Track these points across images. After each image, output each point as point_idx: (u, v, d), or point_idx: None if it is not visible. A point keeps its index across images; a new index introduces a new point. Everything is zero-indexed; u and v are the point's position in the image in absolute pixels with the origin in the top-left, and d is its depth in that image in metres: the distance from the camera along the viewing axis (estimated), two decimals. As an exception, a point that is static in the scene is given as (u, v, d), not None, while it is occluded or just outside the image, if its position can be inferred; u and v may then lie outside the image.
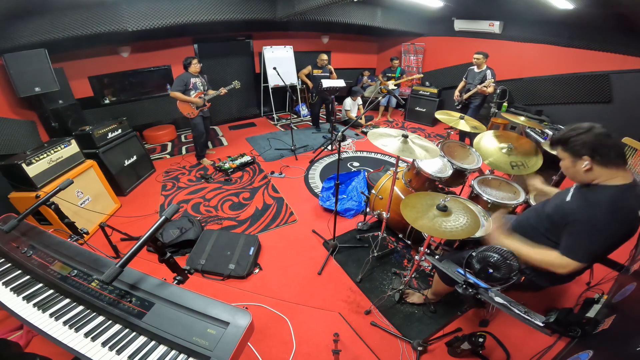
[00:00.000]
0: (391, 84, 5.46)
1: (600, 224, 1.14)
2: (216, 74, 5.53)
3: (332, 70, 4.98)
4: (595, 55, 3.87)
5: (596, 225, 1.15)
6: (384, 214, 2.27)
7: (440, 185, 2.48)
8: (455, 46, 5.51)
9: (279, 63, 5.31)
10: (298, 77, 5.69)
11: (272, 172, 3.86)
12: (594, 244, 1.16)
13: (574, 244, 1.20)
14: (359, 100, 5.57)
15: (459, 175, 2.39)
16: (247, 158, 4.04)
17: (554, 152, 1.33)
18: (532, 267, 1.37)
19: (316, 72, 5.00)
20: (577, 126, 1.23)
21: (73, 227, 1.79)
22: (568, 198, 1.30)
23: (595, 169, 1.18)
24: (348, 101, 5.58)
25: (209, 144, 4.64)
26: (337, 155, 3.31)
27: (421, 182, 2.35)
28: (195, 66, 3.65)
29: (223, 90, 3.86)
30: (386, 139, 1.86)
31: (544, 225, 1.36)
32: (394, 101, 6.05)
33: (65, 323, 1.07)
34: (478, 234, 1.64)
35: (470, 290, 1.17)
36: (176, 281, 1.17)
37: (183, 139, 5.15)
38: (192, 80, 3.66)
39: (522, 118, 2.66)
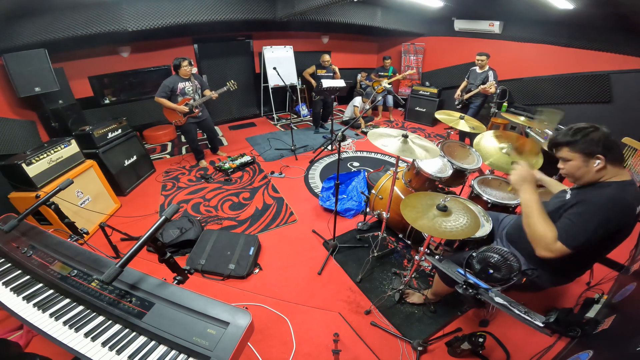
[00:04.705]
0: (385, 82, 5.44)
1: (597, 211, 1.14)
2: (216, 74, 5.54)
3: (337, 70, 4.97)
4: (595, 55, 3.87)
5: (593, 211, 1.15)
6: (384, 214, 2.27)
7: (440, 185, 2.48)
8: (455, 46, 5.51)
9: (279, 63, 5.30)
10: (299, 77, 5.67)
11: (272, 172, 3.86)
12: (586, 231, 1.15)
13: (566, 227, 1.19)
14: (367, 105, 5.55)
15: (459, 175, 2.39)
16: (247, 158, 4.04)
17: (559, 154, 1.29)
18: (534, 262, 1.37)
19: (320, 72, 4.99)
20: (581, 126, 1.22)
21: (73, 227, 1.78)
22: (568, 197, 1.31)
23: (608, 167, 1.18)
24: (358, 100, 5.53)
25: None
26: (337, 155, 3.31)
27: (421, 182, 2.35)
28: (185, 69, 3.40)
29: (214, 95, 3.60)
30: (386, 139, 1.86)
31: None
32: (390, 100, 6.04)
33: (65, 323, 1.07)
34: (478, 234, 1.64)
35: (471, 290, 1.17)
36: (176, 281, 1.17)
37: (183, 139, 5.13)
38: (180, 85, 3.44)
39: (522, 118, 2.66)
